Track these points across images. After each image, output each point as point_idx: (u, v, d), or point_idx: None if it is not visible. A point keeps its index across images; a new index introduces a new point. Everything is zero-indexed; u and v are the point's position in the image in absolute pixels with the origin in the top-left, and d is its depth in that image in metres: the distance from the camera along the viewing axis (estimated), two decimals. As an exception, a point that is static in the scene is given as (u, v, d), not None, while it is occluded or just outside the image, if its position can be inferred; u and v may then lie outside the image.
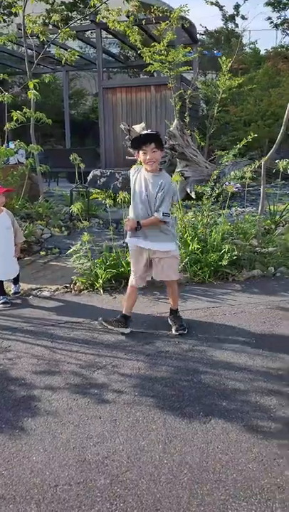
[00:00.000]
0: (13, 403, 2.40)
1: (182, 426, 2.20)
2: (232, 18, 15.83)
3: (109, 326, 3.26)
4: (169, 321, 3.33)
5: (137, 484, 1.83)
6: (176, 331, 3.21)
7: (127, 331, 3.23)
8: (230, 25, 15.96)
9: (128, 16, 6.89)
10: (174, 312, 3.35)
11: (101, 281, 4.08)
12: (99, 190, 7.83)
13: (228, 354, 2.92)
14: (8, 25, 13.38)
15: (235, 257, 4.31)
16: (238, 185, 5.67)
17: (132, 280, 3.26)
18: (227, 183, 4.54)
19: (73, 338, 3.19)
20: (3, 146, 6.48)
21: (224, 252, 4.30)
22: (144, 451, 2.02)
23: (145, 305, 3.75)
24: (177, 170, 7.28)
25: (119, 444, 2.07)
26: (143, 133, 3.03)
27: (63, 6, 14.52)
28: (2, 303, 3.83)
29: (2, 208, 3.90)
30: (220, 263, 4.28)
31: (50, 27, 10.38)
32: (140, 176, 3.10)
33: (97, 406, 2.37)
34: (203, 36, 16.23)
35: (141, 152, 2.99)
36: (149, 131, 3.04)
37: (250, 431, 2.16)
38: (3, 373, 2.71)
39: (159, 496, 1.77)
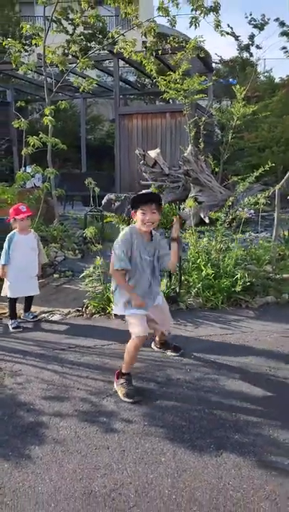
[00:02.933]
0: (21, 430, 2.37)
1: (192, 459, 2.13)
2: (247, 47, 16.21)
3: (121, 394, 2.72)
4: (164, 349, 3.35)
5: (145, 520, 1.77)
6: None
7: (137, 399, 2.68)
8: (245, 55, 16.33)
9: (146, 48, 7.08)
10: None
11: (113, 306, 4.05)
12: (113, 214, 7.93)
13: (241, 384, 2.84)
14: (29, 54, 13.93)
15: (248, 283, 4.26)
16: (252, 211, 5.66)
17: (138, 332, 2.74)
18: (240, 209, 4.53)
19: (83, 363, 3.15)
20: (21, 170, 6.62)
21: (237, 278, 4.26)
22: (153, 485, 1.96)
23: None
24: (191, 195, 7.31)
25: (127, 477, 2.01)
26: (144, 192, 2.85)
27: (82, 37, 15.08)
28: (14, 327, 3.83)
29: (30, 229, 4.02)
30: (233, 289, 4.23)
31: (70, 57, 10.76)
32: (137, 241, 2.79)
33: (105, 435, 2.32)
34: (219, 65, 16.59)
35: (139, 211, 2.76)
36: (149, 191, 2.83)
37: (263, 467, 2.08)
38: (13, 398, 2.68)
39: (167, 534, 1.70)
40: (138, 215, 2.77)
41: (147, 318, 2.84)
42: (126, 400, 2.64)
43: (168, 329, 3.25)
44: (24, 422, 2.43)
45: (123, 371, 2.80)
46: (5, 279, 3.90)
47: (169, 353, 3.31)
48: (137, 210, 2.77)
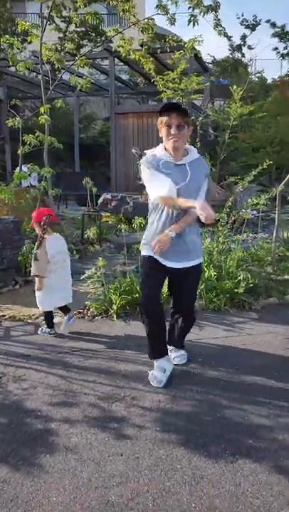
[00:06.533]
0: (29, 437, 2.31)
1: (208, 466, 2.09)
2: (239, 48, 16.28)
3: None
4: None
5: (165, 531, 1.73)
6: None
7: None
8: (237, 55, 16.41)
9: (142, 46, 7.03)
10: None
11: (115, 307, 4.01)
12: (109, 214, 7.87)
13: (250, 387, 2.82)
14: (21, 51, 13.77)
15: (251, 285, 4.25)
16: (255, 211, 5.65)
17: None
18: (244, 210, 4.51)
19: (88, 367, 3.09)
20: (17, 169, 6.51)
21: (240, 279, 4.24)
22: (170, 493, 1.92)
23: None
24: (188, 195, 7.29)
25: (143, 485, 1.96)
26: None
27: (75, 34, 14.95)
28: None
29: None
30: (236, 290, 4.21)
31: (62, 54, 10.64)
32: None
33: (117, 442, 2.27)
34: (211, 65, 16.64)
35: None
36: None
37: (280, 472, 2.05)
38: (19, 404, 2.62)
39: None
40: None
41: None
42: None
43: None
44: (32, 430, 2.37)
45: None
46: None
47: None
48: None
